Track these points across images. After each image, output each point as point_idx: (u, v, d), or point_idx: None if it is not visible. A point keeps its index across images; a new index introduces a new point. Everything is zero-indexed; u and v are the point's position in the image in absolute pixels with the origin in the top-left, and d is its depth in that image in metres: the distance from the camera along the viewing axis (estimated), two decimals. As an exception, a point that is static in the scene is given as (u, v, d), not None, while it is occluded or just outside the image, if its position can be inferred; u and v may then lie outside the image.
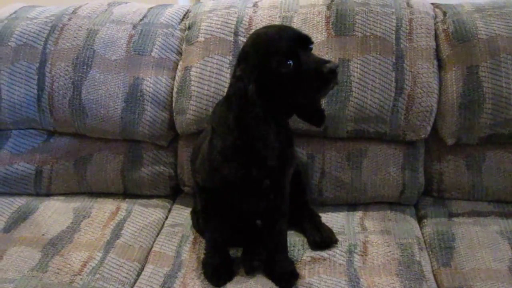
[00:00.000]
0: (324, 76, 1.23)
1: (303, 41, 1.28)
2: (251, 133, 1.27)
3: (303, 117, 1.43)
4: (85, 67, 1.77)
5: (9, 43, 1.84)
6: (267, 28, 1.34)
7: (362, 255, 1.48)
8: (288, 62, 1.24)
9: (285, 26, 1.32)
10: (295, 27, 1.69)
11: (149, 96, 1.75)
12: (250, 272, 1.45)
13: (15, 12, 1.94)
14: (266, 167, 1.35)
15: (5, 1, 2.05)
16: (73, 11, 1.89)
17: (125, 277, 1.47)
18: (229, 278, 1.44)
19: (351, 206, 1.71)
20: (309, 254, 1.50)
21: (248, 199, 1.44)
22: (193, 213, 1.65)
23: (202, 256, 1.50)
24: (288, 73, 1.24)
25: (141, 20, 1.84)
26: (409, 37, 1.66)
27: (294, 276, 1.41)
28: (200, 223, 1.57)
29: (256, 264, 1.45)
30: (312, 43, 1.30)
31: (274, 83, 1.26)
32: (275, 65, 1.24)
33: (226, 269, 1.45)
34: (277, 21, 1.71)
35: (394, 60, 1.64)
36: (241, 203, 1.45)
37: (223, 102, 1.35)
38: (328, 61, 1.25)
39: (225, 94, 1.38)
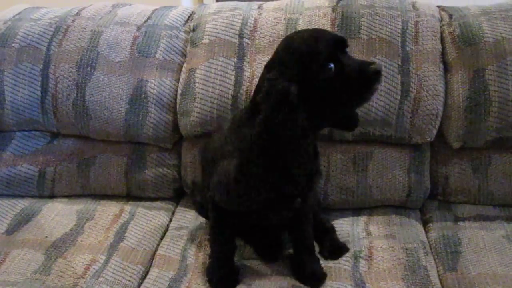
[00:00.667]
0: (369, 78, 1.17)
1: (340, 43, 1.22)
2: (287, 147, 1.18)
3: (336, 124, 1.36)
4: (89, 68, 1.76)
5: (13, 44, 1.83)
6: (300, 32, 1.27)
7: (367, 260, 1.47)
8: (330, 66, 1.17)
9: (320, 29, 1.26)
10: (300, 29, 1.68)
11: (153, 98, 1.74)
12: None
13: (19, 13, 1.93)
14: (297, 185, 1.30)
15: (9, 2, 2.04)
16: (77, 12, 1.88)
17: (129, 281, 1.46)
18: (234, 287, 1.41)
19: (356, 210, 1.70)
20: (314, 258, 1.49)
21: (273, 215, 1.40)
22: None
23: (207, 262, 1.48)
24: (330, 77, 1.17)
25: (145, 21, 1.83)
26: (415, 40, 1.65)
27: (324, 275, 1.41)
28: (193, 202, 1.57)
29: None
30: (348, 45, 1.24)
31: (314, 90, 1.18)
32: (316, 70, 1.16)
33: (231, 278, 1.43)
34: (282, 24, 1.70)
35: (399, 63, 1.63)
36: (266, 219, 1.41)
37: (248, 119, 1.25)
38: (372, 62, 1.19)
39: (248, 106, 1.31)
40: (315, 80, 1.17)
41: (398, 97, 1.62)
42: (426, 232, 1.61)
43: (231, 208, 1.35)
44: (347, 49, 1.25)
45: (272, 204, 1.31)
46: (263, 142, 1.19)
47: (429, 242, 1.56)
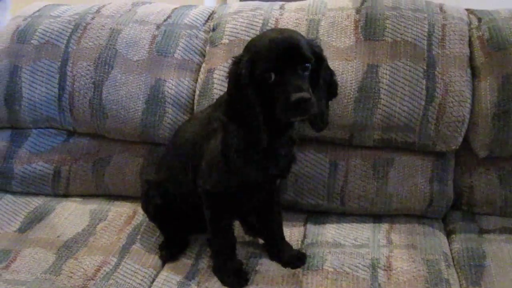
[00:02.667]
0: (290, 104, 1.20)
1: (294, 61, 1.23)
2: (242, 117, 1.27)
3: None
4: (106, 67, 1.74)
5: (31, 41, 1.82)
6: (270, 32, 1.32)
7: (386, 270, 1.41)
8: (269, 74, 1.22)
9: (289, 37, 1.25)
10: (322, 31, 1.64)
11: (170, 98, 1.71)
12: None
13: (38, 10, 1.92)
14: (280, 166, 1.38)
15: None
16: (96, 10, 1.87)
17: (139, 284, 1.43)
18: (248, 280, 1.41)
19: (377, 217, 1.64)
20: (330, 264, 1.44)
21: (254, 197, 1.45)
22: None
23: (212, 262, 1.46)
24: (268, 83, 1.23)
25: (165, 20, 1.80)
26: (442, 43, 1.59)
27: (303, 255, 1.48)
28: (148, 204, 1.56)
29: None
30: (305, 68, 1.25)
31: (259, 86, 1.25)
32: (258, 72, 1.23)
33: (242, 272, 1.43)
34: (304, 24, 1.66)
35: (425, 67, 1.57)
36: (248, 202, 1.46)
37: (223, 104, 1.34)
38: (300, 90, 1.20)
39: None
40: (259, 79, 1.23)
41: (423, 103, 1.56)
42: (449, 244, 1.55)
43: (223, 188, 1.37)
44: (305, 72, 1.25)
45: (258, 183, 1.39)
46: (226, 109, 1.30)
47: (451, 254, 1.50)
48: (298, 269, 1.44)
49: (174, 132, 1.63)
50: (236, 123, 1.30)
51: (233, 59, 1.29)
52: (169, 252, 1.51)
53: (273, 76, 1.22)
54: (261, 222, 1.54)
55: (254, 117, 1.26)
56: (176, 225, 1.55)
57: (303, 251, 1.50)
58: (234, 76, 1.27)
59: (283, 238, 1.52)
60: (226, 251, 1.44)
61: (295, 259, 1.46)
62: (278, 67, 1.22)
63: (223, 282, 1.41)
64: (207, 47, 1.76)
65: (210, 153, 1.38)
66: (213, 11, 1.85)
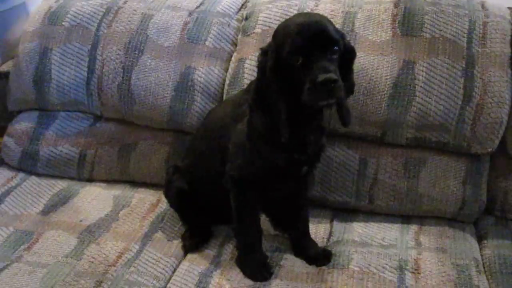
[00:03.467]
0: (317, 85, 1.17)
1: (319, 42, 1.20)
2: (266, 106, 1.26)
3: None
4: (136, 52, 1.72)
5: (63, 23, 1.82)
6: (296, 17, 1.29)
7: (414, 273, 1.37)
8: (296, 57, 1.19)
9: (311, 22, 1.23)
10: (358, 24, 1.60)
11: (200, 86, 1.68)
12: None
13: (71, -8, 1.91)
14: (306, 153, 1.34)
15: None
16: (129, -6, 1.84)
17: (161, 273, 1.41)
18: (272, 274, 1.39)
19: (406, 218, 1.60)
20: (356, 264, 1.40)
21: (280, 186, 1.42)
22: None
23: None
24: (295, 67, 1.20)
25: (197, 7, 1.78)
26: (482, 41, 1.54)
27: (329, 253, 1.44)
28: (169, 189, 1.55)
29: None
30: (334, 52, 1.22)
31: (285, 71, 1.22)
32: (285, 55, 1.21)
33: (265, 265, 1.41)
34: (339, 16, 1.62)
35: (464, 66, 1.52)
36: (274, 190, 1.43)
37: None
38: (328, 71, 1.17)
39: None
40: (286, 67, 1.22)
41: (460, 102, 1.51)
42: (480, 249, 1.50)
43: (248, 173, 1.35)
44: (333, 55, 1.22)
45: (284, 169, 1.35)
46: (253, 98, 1.29)
47: (482, 260, 1.45)
48: (323, 267, 1.40)
49: (205, 116, 1.60)
50: (261, 111, 1.29)
51: (261, 49, 1.27)
52: (192, 243, 1.49)
53: (300, 59, 1.19)
54: (286, 217, 1.50)
55: (277, 109, 1.24)
56: (199, 214, 1.53)
57: (329, 248, 1.46)
58: (261, 65, 1.26)
59: (308, 234, 1.49)
60: (252, 242, 1.41)
61: (320, 257, 1.43)
62: (306, 50, 1.19)
63: (245, 273, 1.39)
64: (239, 36, 1.73)
65: (237, 136, 1.36)
66: (246, 0, 1.82)
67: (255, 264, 1.40)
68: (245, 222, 1.40)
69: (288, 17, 1.61)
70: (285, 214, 1.51)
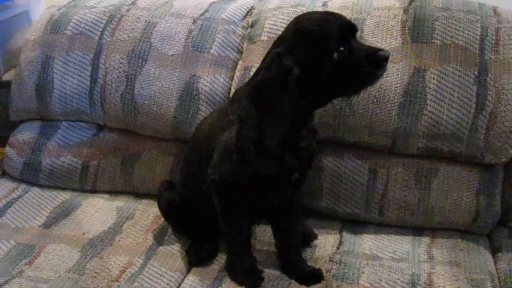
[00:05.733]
0: (378, 64, 1.17)
1: (351, 27, 1.21)
2: (274, 110, 1.20)
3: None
4: (140, 60, 1.69)
5: (65, 32, 1.78)
6: (313, 13, 1.25)
7: (427, 288, 1.32)
8: (341, 49, 1.16)
9: (331, 12, 1.24)
10: (367, 31, 1.56)
11: (204, 95, 1.64)
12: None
13: (73, 0, 1.88)
14: (298, 159, 1.29)
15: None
16: (132, 1, 1.81)
17: (165, 288, 1.37)
18: (262, 280, 1.36)
19: (417, 230, 1.55)
20: (366, 279, 1.35)
21: (269, 194, 1.35)
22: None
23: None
24: (341, 61, 1.17)
25: (202, 14, 1.74)
26: (495, 48, 1.49)
27: (320, 273, 1.37)
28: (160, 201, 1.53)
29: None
30: (357, 30, 1.24)
31: (322, 72, 1.17)
32: (328, 53, 1.16)
33: (258, 271, 1.38)
34: (347, 23, 1.58)
35: (476, 73, 1.47)
36: (261, 198, 1.36)
37: (249, 89, 1.26)
38: (380, 49, 1.18)
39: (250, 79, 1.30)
40: (325, 63, 1.17)
41: (472, 111, 1.46)
42: (495, 263, 1.45)
43: (234, 179, 1.30)
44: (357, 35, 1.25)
45: (273, 177, 1.29)
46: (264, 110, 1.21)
47: (497, 274, 1.40)
48: (332, 280, 1.36)
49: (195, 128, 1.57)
50: (267, 114, 1.21)
51: (277, 52, 1.19)
52: (197, 257, 1.44)
53: (344, 51, 1.17)
54: (275, 230, 1.44)
55: (287, 112, 1.20)
56: (198, 227, 1.49)
57: (338, 258, 1.42)
58: (280, 70, 1.17)
59: (299, 251, 1.42)
60: (239, 248, 1.37)
61: (310, 277, 1.36)
62: (345, 40, 1.17)
63: (235, 280, 1.35)
64: (245, 44, 1.69)
65: (224, 144, 1.31)
66: (252, 7, 1.78)
67: (244, 270, 1.36)
68: (231, 228, 1.36)
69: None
70: (272, 226, 1.45)
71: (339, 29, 1.17)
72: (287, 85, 1.16)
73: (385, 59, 1.17)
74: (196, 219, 1.48)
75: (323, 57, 1.16)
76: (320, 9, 1.63)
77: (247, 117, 1.26)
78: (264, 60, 1.25)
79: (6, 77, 1.97)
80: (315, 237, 1.50)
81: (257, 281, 1.35)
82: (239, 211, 1.35)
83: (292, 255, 1.40)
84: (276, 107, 1.19)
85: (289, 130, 1.24)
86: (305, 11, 1.62)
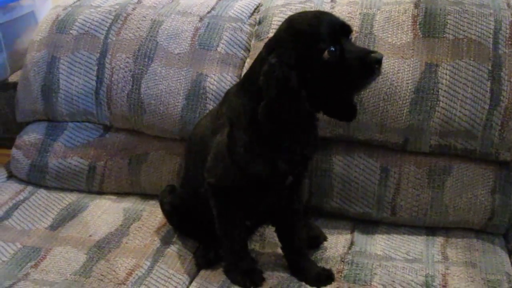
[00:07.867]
0: (369, 66, 1.14)
1: (344, 28, 1.19)
2: (288, 127, 1.20)
3: (330, 112, 1.30)
4: (146, 59, 1.66)
5: (71, 31, 1.77)
6: (304, 13, 1.24)
7: (442, 290, 1.29)
8: (331, 49, 1.14)
9: (323, 12, 1.23)
10: (377, 26, 1.53)
11: (212, 94, 1.62)
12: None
13: (79, 0, 1.86)
14: (292, 162, 1.27)
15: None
16: (138, 0, 1.79)
17: (173, 291, 1.34)
18: (263, 280, 1.33)
19: (430, 230, 1.52)
20: (379, 280, 1.32)
21: (265, 197, 1.34)
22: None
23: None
24: (331, 61, 1.14)
25: (208, 12, 1.71)
26: (509, 42, 1.45)
27: (330, 273, 1.34)
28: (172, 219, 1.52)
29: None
30: (352, 31, 1.21)
31: (313, 74, 1.16)
32: (317, 53, 1.14)
33: (256, 270, 1.35)
34: (357, 19, 1.55)
35: (490, 68, 1.44)
36: (258, 201, 1.35)
37: (239, 91, 1.28)
38: (373, 51, 1.16)
39: (241, 81, 1.32)
40: (315, 64, 1.15)
41: (487, 107, 1.43)
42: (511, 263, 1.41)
43: (228, 182, 1.29)
44: (351, 36, 1.22)
45: (266, 179, 1.27)
46: (265, 118, 1.18)
47: (515, 275, 1.36)
48: (343, 282, 1.32)
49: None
50: (279, 126, 1.20)
51: (270, 61, 1.16)
52: (205, 259, 1.42)
53: (334, 52, 1.14)
54: (279, 234, 1.41)
55: (299, 116, 1.19)
56: (203, 230, 1.46)
57: (350, 259, 1.38)
58: (277, 80, 1.15)
59: (305, 253, 1.38)
60: (236, 249, 1.34)
61: (322, 278, 1.33)
62: (337, 40, 1.15)
63: (235, 282, 1.33)
64: (252, 41, 1.66)
65: (216, 147, 1.29)
66: (259, 3, 1.76)
67: (243, 271, 1.33)
68: (228, 230, 1.34)
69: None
70: (276, 230, 1.42)
71: (330, 28, 1.15)
72: (292, 91, 1.15)
73: (377, 61, 1.15)
74: (200, 222, 1.45)
75: (313, 56, 1.15)
76: (329, 5, 1.60)
77: (236, 120, 1.25)
78: (254, 62, 1.26)
79: (13, 78, 1.96)
80: (325, 239, 1.47)
81: (257, 281, 1.32)
82: (235, 214, 1.33)
83: (298, 257, 1.37)
84: (291, 116, 1.18)
85: (288, 134, 1.24)
86: (313, 8, 1.60)
